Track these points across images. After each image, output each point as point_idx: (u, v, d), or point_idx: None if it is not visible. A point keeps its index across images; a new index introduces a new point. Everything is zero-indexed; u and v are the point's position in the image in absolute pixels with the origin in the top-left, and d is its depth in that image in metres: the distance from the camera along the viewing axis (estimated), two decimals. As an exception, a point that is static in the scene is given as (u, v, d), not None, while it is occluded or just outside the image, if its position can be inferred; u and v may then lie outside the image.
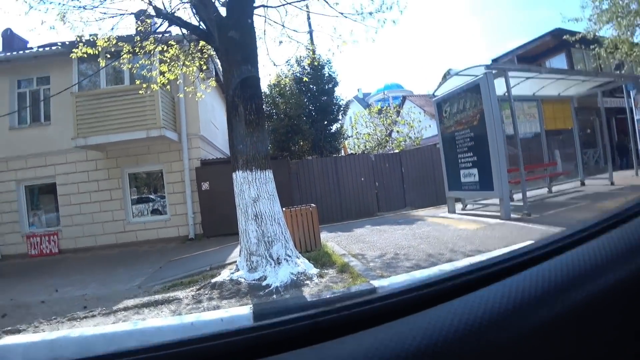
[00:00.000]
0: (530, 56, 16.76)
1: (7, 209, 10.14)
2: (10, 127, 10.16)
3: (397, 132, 14.92)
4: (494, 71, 6.75)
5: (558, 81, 8.48)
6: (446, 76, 10.48)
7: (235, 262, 5.00)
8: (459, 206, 8.35)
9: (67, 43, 8.48)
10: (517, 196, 7.76)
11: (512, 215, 6.47)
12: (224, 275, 4.67)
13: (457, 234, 5.71)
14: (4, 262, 9.75)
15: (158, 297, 4.31)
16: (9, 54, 10.29)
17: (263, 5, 6.00)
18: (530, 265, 0.68)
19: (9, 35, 12.28)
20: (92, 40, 5.73)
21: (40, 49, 10.08)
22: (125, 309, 4.05)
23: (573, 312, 0.58)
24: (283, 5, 6.15)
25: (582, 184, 9.55)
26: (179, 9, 5.36)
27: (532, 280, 0.63)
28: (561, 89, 9.05)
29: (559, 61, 15.96)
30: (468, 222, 6.67)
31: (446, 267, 3.84)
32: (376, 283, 3.58)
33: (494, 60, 17.62)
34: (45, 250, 10.00)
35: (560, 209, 6.75)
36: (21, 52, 10.37)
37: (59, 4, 5.00)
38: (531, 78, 7.89)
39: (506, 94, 6.81)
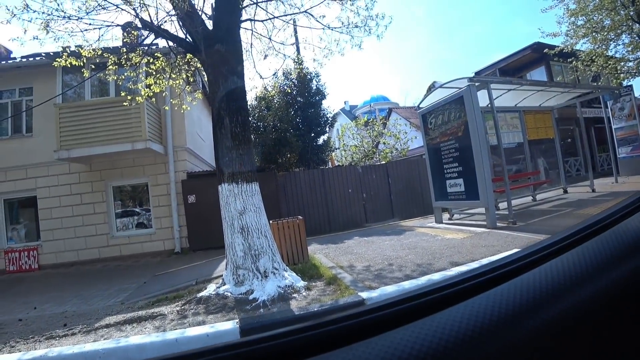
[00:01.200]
0: (512, 69, 17.29)
1: (-16, 223, 9.81)
2: (-10, 139, 9.90)
3: (384, 143, 15.07)
4: (477, 83, 6.92)
5: (539, 93, 8.75)
6: (431, 88, 10.69)
7: (222, 276, 4.92)
8: (445, 216, 8.44)
9: (52, 54, 8.36)
10: (503, 205, 7.89)
11: (498, 224, 6.56)
12: (210, 289, 4.58)
13: (445, 244, 5.75)
14: (-20, 279, 9.38)
15: (142, 313, 4.19)
16: (-10, 64, 10.07)
17: (250, 19, 6.05)
18: (515, 274, 0.68)
19: (-10, 45, 12.07)
20: (77, 51, 5.66)
21: (24, 60, 9.90)
22: (107, 326, 3.92)
23: (560, 319, 0.59)
24: (270, 19, 6.21)
25: (565, 191, 9.79)
26: (165, 21, 5.36)
27: (518, 289, 0.64)
28: (542, 100, 9.34)
29: (539, 74, 16.50)
30: (455, 232, 6.72)
31: (435, 277, 3.86)
32: (365, 295, 3.56)
33: (477, 73, 18.08)
34: (24, 266, 9.67)
35: (544, 217, 6.88)
36: (3, 62, 10.18)
37: (43, 13, 4.95)
38: (513, 90, 8.12)
39: (489, 105, 6.98)
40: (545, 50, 12.44)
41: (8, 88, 10.23)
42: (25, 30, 4.96)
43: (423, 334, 0.58)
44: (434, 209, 8.31)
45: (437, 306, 0.64)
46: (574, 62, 11.76)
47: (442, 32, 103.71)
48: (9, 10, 4.77)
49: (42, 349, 3.39)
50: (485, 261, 4.18)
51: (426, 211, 10.27)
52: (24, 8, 4.80)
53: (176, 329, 3.49)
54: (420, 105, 8.57)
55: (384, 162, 12.56)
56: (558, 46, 12.04)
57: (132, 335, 3.50)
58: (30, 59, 9.82)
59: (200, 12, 5.16)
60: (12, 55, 11.68)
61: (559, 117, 10.74)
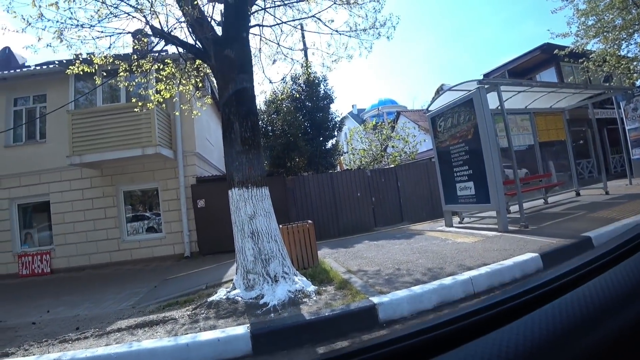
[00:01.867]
0: (521, 70, 17.14)
1: (0, 228, 10.01)
2: (6, 144, 10.13)
3: (392, 147, 15.01)
4: (486, 86, 6.85)
5: (549, 94, 8.64)
6: (439, 91, 10.64)
7: (232, 280, 4.92)
8: (456, 220, 8.35)
9: (64, 62, 8.56)
10: (514, 208, 7.78)
11: (510, 227, 6.47)
12: (221, 294, 4.58)
13: (456, 248, 5.68)
14: (-5, 283, 9.55)
15: (153, 317, 4.21)
16: (6, 72, 10.33)
17: (258, 25, 6.10)
18: (550, 298, 0.65)
19: (6, 53, 12.43)
20: (89, 58, 5.76)
21: (38, 68, 10.13)
22: (119, 329, 3.94)
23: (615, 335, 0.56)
24: (278, 24, 6.26)
25: (578, 194, 9.63)
26: (175, 28, 5.41)
27: (554, 314, 0.61)
28: (552, 101, 9.22)
29: (549, 75, 16.32)
30: (466, 236, 6.65)
31: (447, 282, 3.81)
32: (376, 300, 3.53)
33: (486, 75, 17.98)
34: (37, 270, 9.82)
35: (557, 220, 6.76)
36: (18, 70, 10.44)
37: (57, 21, 5.05)
38: (523, 92, 8.03)
39: (499, 107, 6.91)
40: (555, 51, 12.30)
41: (22, 95, 10.48)
42: (40, 39, 5.06)
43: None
44: (444, 212, 8.23)
45: (464, 337, 0.62)
46: (585, 62, 11.61)
47: (450, 34, 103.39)
48: (24, 19, 4.88)
49: (56, 353, 3.42)
50: (496, 266, 4.13)
51: (436, 215, 10.18)
52: (39, 17, 4.90)
53: (187, 333, 3.49)
54: (429, 108, 8.52)
55: (392, 166, 12.50)
56: (568, 47, 11.89)
57: (143, 339, 3.52)
58: (44, 66, 10.06)
59: (209, 19, 5.22)
60: (26, 64, 11.97)
61: (571, 119, 10.61)
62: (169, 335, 3.54)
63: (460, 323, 0.66)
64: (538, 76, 16.82)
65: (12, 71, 10.34)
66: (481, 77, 14.51)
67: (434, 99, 8.63)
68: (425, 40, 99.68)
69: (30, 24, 4.88)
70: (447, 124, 7.71)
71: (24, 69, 10.45)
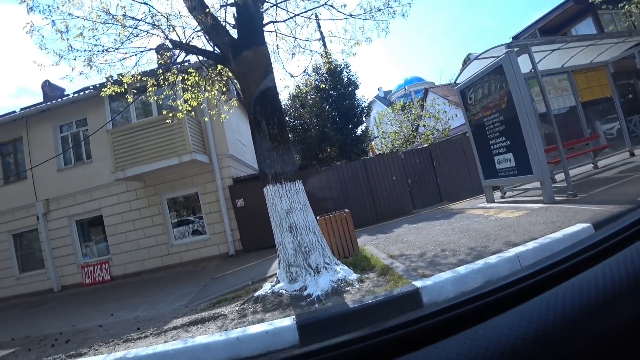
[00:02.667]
0: (554, 27, 15.91)
1: (62, 243, 10.93)
2: (58, 168, 10.97)
3: (424, 126, 14.61)
4: (515, 49, 6.46)
5: (588, 48, 7.98)
6: (466, 62, 10.17)
7: (276, 274, 5.07)
8: (497, 194, 8.03)
9: (98, 85, 9.09)
10: (560, 176, 7.35)
11: (556, 198, 6.13)
12: (266, 288, 4.74)
13: (499, 224, 5.48)
14: (64, 292, 10.50)
15: (204, 314, 4.45)
16: (49, 103, 11.15)
17: (272, 21, 6.11)
18: (583, 268, 0.63)
19: (47, 86, 13.42)
20: (118, 79, 6.07)
21: (76, 94, 10.83)
22: (175, 328, 4.21)
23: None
24: (291, 17, 6.23)
25: (632, 154, 8.87)
26: (193, 38, 5.55)
27: (592, 282, 0.58)
28: (593, 55, 8.52)
29: (586, 27, 15.04)
30: (509, 211, 6.38)
31: (491, 260, 3.69)
32: (419, 284, 3.50)
33: (514, 38, 16.90)
34: (98, 278, 10.64)
35: (609, 185, 6.29)
36: (59, 99, 11.22)
37: (85, 50, 5.36)
38: (557, 49, 7.49)
39: (532, 70, 6.50)
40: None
41: (66, 122, 11.29)
42: (73, 68, 5.40)
43: (491, 334, 0.55)
44: (484, 188, 7.93)
45: (505, 304, 0.61)
46: (627, 6, 10.55)
47: None
48: (56, 53, 5.22)
49: (121, 351, 3.73)
50: (544, 240, 3.94)
51: (476, 191, 9.83)
52: (68, 49, 5.22)
53: (237, 327, 3.66)
54: (457, 81, 8.19)
55: (426, 145, 12.19)
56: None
57: (197, 335, 3.73)
58: (81, 92, 10.73)
59: (223, 23, 5.30)
60: (65, 92, 12.83)
61: (616, 72, 9.76)
62: (220, 330, 3.73)
63: (460, 309, 0.66)
64: (573, 30, 15.55)
65: (55, 101, 11.13)
66: (510, 41, 13.69)
67: (461, 71, 8.26)
68: (446, 8, 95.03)
69: (62, 56, 5.22)
70: (477, 95, 7.39)
71: (64, 98, 11.21)
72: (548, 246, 3.82)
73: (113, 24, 5.20)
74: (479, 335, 0.57)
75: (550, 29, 15.90)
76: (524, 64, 6.51)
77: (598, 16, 14.31)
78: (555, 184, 6.99)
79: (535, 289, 0.63)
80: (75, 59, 5.27)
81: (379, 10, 6.02)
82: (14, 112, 11.47)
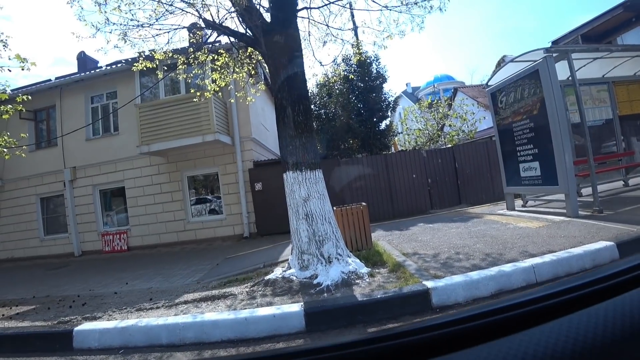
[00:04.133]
0: (597, 34, 15.13)
1: (85, 210, 11.38)
2: (86, 138, 11.36)
3: (450, 126, 14.31)
4: (554, 54, 6.20)
5: (634, 59, 7.58)
6: (500, 64, 9.86)
7: (288, 260, 5.13)
8: (518, 202, 7.83)
9: (130, 60, 9.30)
10: (586, 191, 7.09)
11: (580, 212, 5.92)
12: (277, 272, 4.81)
13: (517, 233, 5.35)
14: (84, 257, 10.96)
15: (215, 292, 4.56)
16: (83, 74, 11.50)
17: (306, 7, 6.07)
18: (614, 293, 0.60)
19: (82, 57, 13.85)
20: (150, 55, 6.18)
21: (108, 67, 11.12)
22: (186, 302, 4.33)
23: None
24: (326, 5, 6.17)
25: (667, 174, 8.45)
26: (226, 19, 5.59)
27: (611, 313, 0.56)
28: (638, 67, 8.08)
29: (634, 36, 14.23)
30: (529, 220, 6.22)
31: (506, 268, 3.62)
32: (429, 284, 3.48)
33: (554, 42, 16.17)
34: (116, 247, 11.03)
35: (639, 205, 6.03)
36: (92, 71, 11.54)
37: (121, 24, 5.47)
38: (600, 58, 7.15)
39: (570, 78, 6.24)
40: (642, 8, 10.69)
41: (97, 93, 11.62)
42: (108, 41, 5.54)
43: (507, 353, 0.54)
44: (505, 194, 7.74)
45: (521, 324, 0.59)
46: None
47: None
48: (94, 25, 5.36)
49: (133, 319, 3.87)
50: (563, 254, 3.82)
51: (496, 197, 9.64)
52: (105, 22, 5.35)
53: (246, 308, 3.73)
54: (489, 83, 7.95)
55: (450, 146, 11.96)
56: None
57: (207, 311, 3.83)
58: (113, 66, 11.01)
59: (258, 6, 5.30)
60: (98, 65, 13.19)
61: (661, 87, 9.21)
62: (229, 309, 3.82)
63: (501, 315, 0.64)
64: (619, 39, 14.76)
65: (88, 72, 11.48)
66: (549, 45, 13.12)
67: (494, 73, 8.01)
68: (484, 4, 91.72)
69: (98, 29, 5.36)
70: (509, 99, 7.16)
71: (97, 70, 11.53)
72: (566, 261, 3.70)
73: (150, -1, 5.28)
74: (488, 354, 0.55)
75: (594, 35, 15.14)
76: (561, 71, 6.26)
77: (647, 25, 13.53)
78: (580, 198, 6.75)
79: (551, 311, 0.60)
80: (111, 32, 5.40)
81: (416, 3, 5.89)
82: (50, 80, 11.89)
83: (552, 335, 0.54)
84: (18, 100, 6.42)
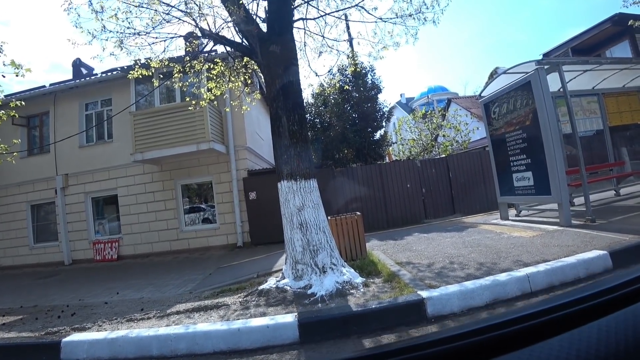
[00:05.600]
0: (587, 47, 15.48)
1: (77, 218, 11.22)
2: (80, 145, 11.26)
3: (443, 136, 14.46)
4: (546, 66, 6.32)
5: (622, 72, 7.75)
6: (493, 75, 10.00)
7: (282, 270, 5.09)
8: (512, 212, 7.87)
9: (126, 67, 9.29)
10: (579, 200, 7.16)
11: (573, 222, 5.97)
12: (271, 282, 4.76)
13: (511, 242, 5.37)
14: (74, 266, 10.77)
15: (208, 302, 4.49)
16: (78, 80, 11.47)
17: (302, 18, 6.14)
18: (614, 308, 0.59)
19: (78, 64, 13.84)
20: (146, 63, 6.19)
21: (103, 75, 11.11)
22: (178, 312, 4.26)
23: None
24: (322, 16, 6.24)
25: (657, 184, 8.57)
26: (223, 28, 5.63)
27: (612, 329, 0.55)
28: (626, 80, 8.26)
29: (621, 50, 14.59)
30: (523, 230, 6.25)
31: (501, 278, 3.62)
32: (424, 294, 3.46)
33: (546, 55, 16.51)
34: (107, 256, 10.87)
35: (630, 214, 6.10)
36: (88, 78, 11.51)
37: (117, 32, 5.48)
38: (590, 70, 7.29)
39: (561, 89, 6.35)
40: (629, 22, 10.93)
41: (92, 100, 11.58)
42: (104, 49, 5.56)
43: None
44: (499, 204, 7.79)
45: (524, 339, 0.58)
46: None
47: (504, 10, 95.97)
48: (90, 33, 5.36)
49: (124, 330, 3.79)
50: (557, 263, 3.83)
51: (490, 207, 9.68)
52: (102, 29, 5.36)
53: (239, 319, 3.68)
54: (482, 94, 8.06)
55: (444, 156, 12.05)
56: (646, 16, 10.51)
57: (199, 322, 3.77)
58: (109, 73, 10.99)
59: (254, 16, 5.35)
60: (94, 72, 13.18)
61: (649, 99, 9.40)
62: (222, 319, 3.76)
63: (506, 329, 0.63)
64: (608, 52, 15.11)
65: (83, 79, 11.45)
66: (540, 57, 13.37)
67: (487, 84, 8.13)
68: (477, 18, 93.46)
69: (95, 36, 5.36)
70: (502, 110, 7.26)
71: (92, 77, 11.51)
72: (560, 270, 3.72)
73: (147, 7, 5.30)
74: None
75: (584, 49, 15.48)
76: (552, 83, 6.37)
77: (635, 40, 13.88)
78: (573, 208, 6.81)
79: (548, 328, 0.60)
80: (107, 40, 5.40)
81: (410, 15, 5.98)
82: (44, 86, 11.83)
83: (553, 351, 0.54)
84: (12, 105, 6.37)
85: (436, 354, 0.62)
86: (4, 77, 5.96)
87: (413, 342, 0.65)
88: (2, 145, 6.98)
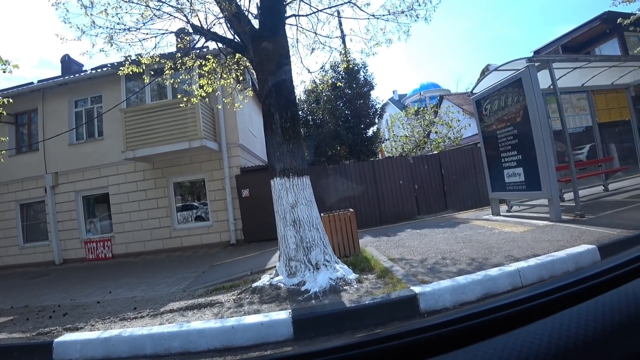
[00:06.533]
0: (577, 45, 15.67)
1: (67, 217, 11.08)
2: (70, 143, 11.10)
3: (436, 132, 14.54)
4: (536, 63, 6.39)
5: (611, 69, 7.87)
6: (485, 72, 10.08)
7: (275, 267, 5.09)
8: (503, 208, 7.97)
9: (116, 64, 9.15)
10: (568, 196, 7.27)
11: (563, 217, 6.07)
12: (264, 280, 4.76)
13: (503, 237, 5.44)
14: (65, 266, 10.65)
15: (201, 300, 4.48)
16: (67, 77, 11.28)
17: (294, 15, 6.11)
18: (596, 293, 0.62)
19: (67, 60, 13.59)
20: (137, 59, 6.11)
21: (93, 71, 10.95)
22: (171, 311, 4.24)
23: None
24: (314, 13, 6.22)
25: (644, 179, 8.73)
26: (214, 24, 5.59)
27: (592, 313, 0.57)
28: (614, 77, 8.39)
29: (610, 47, 14.79)
30: (514, 225, 6.33)
31: (492, 273, 3.67)
32: (417, 289, 3.49)
33: (536, 52, 16.66)
34: (100, 255, 10.77)
35: (618, 209, 6.21)
36: (77, 75, 11.34)
37: (107, 28, 5.41)
38: (579, 68, 7.39)
39: (551, 87, 6.43)
40: (618, 20, 11.07)
41: (81, 97, 11.41)
42: (93, 45, 5.47)
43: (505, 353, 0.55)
44: (491, 200, 7.87)
45: (511, 323, 0.60)
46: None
47: (495, 6, 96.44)
48: (79, 28, 5.28)
49: (117, 329, 3.77)
50: (547, 258, 3.90)
51: (482, 203, 9.78)
52: (91, 25, 5.28)
53: (233, 316, 3.67)
54: (474, 91, 8.12)
55: (436, 152, 12.13)
56: (635, 14, 10.64)
57: (193, 320, 3.76)
58: (99, 70, 10.83)
59: (246, 13, 5.31)
60: (83, 68, 12.98)
61: (636, 96, 9.59)
62: (215, 317, 3.76)
63: (490, 316, 0.65)
64: (597, 49, 15.31)
65: (72, 76, 11.26)
66: (531, 55, 13.49)
67: (479, 81, 8.19)
68: (468, 14, 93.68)
69: (84, 32, 5.29)
70: (493, 107, 7.32)
71: (82, 74, 11.34)
72: (550, 264, 3.78)
73: (137, 3, 5.23)
74: (474, 356, 0.56)
75: (574, 46, 15.66)
76: (543, 80, 6.44)
77: (624, 38, 14.08)
78: (563, 203, 6.91)
79: (533, 313, 0.62)
80: (97, 36, 5.34)
81: (402, 12, 5.99)
82: (32, 83, 11.62)
83: (537, 334, 0.56)
84: (-2, 103, 6.27)
85: (422, 340, 0.63)
86: (-10, 73, 5.86)
87: (399, 330, 0.67)
88: (-11, 144, 6.86)
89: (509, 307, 0.66)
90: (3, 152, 7.38)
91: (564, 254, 3.95)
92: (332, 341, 3.06)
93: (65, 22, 5.28)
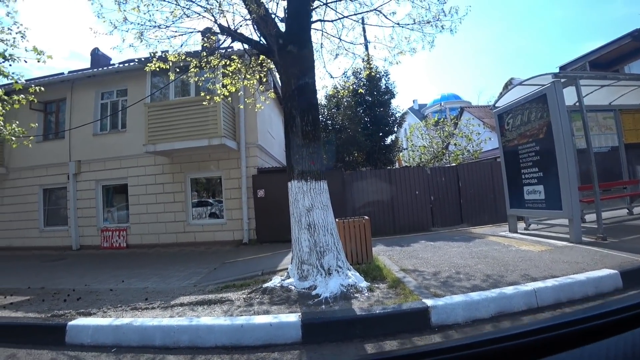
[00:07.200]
0: (606, 62, 15.24)
1: (87, 204, 11.40)
2: (94, 133, 11.44)
3: (455, 144, 14.35)
4: (563, 79, 6.25)
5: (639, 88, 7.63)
6: (508, 86, 9.91)
7: (287, 269, 5.10)
8: (521, 225, 7.79)
9: (143, 59, 9.41)
10: (590, 217, 7.06)
11: (584, 239, 5.89)
12: (275, 281, 4.77)
13: (519, 256, 5.32)
14: (81, 252, 10.93)
15: (212, 296, 4.51)
16: (95, 69, 11.65)
17: (320, 20, 6.16)
18: (625, 328, 0.59)
19: (96, 53, 14.05)
20: (164, 56, 6.25)
21: (121, 65, 11.27)
22: (182, 304, 4.28)
23: None
24: (339, 19, 6.25)
25: (672, 205, 8.41)
26: (241, 25, 5.68)
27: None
28: (645, 97, 8.11)
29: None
30: (531, 243, 6.18)
31: (507, 291, 3.59)
32: (429, 302, 3.44)
33: (562, 68, 16.27)
34: (115, 244, 11.01)
35: (643, 234, 5.99)
36: (105, 67, 11.69)
37: (138, 24, 5.56)
38: (607, 86, 7.20)
39: (577, 104, 6.27)
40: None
41: (108, 90, 11.75)
42: (124, 40, 5.62)
43: None
44: (508, 216, 7.71)
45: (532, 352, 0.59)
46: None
47: (521, 19, 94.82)
48: (112, 23, 5.44)
49: (128, 318, 3.83)
50: (566, 279, 3.78)
51: (499, 219, 9.60)
52: (123, 20, 5.44)
53: (242, 315, 3.68)
54: (496, 105, 7.99)
55: (454, 164, 11.96)
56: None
57: (202, 316, 3.78)
58: (126, 64, 11.15)
59: (273, 16, 5.38)
60: (111, 62, 13.37)
61: (667, 117, 9.22)
62: (225, 314, 3.77)
63: (510, 342, 0.63)
64: (627, 67, 14.85)
65: (101, 69, 11.63)
66: (557, 70, 13.21)
67: (501, 94, 8.06)
68: (493, 26, 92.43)
69: (116, 27, 5.45)
70: (515, 122, 7.19)
71: (110, 67, 11.68)
72: (569, 287, 3.67)
73: (168, 1, 5.37)
74: None
75: (602, 63, 15.24)
76: (568, 96, 6.29)
77: (655, 57, 13.63)
78: (584, 224, 6.72)
79: (556, 344, 0.60)
80: (127, 31, 5.48)
81: (428, 22, 5.96)
82: (62, 73, 12.03)
83: None
84: (31, 90, 6.49)
85: None
86: (25, 62, 6.10)
87: (413, 351, 0.65)
88: (19, 129, 7.11)
89: (527, 336, 0.64)
90: (31, 138, 7.63)
91: (584, 277, 3.83)
92: (340, 349, 3.05)
93: (98, 17, 5.46)
